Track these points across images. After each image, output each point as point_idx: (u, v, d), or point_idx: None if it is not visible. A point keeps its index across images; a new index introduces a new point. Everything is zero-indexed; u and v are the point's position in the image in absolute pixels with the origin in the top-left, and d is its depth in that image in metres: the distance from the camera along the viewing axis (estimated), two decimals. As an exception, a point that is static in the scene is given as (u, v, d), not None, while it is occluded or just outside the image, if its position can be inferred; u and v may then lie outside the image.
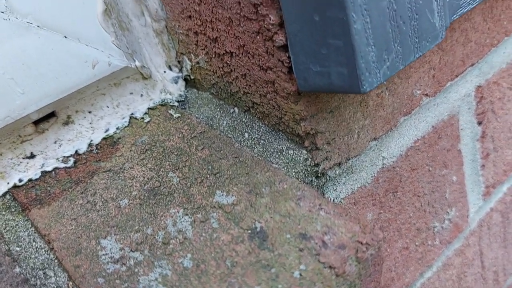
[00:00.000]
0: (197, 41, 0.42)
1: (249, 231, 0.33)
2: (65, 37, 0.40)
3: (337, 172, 0.40)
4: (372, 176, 0.43)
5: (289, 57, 0.34)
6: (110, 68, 0.42)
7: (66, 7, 0.40)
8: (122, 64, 0.43)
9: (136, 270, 0.32)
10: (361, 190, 0.42)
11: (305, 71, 0.33)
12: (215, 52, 0.41)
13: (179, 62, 0.47)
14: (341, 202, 0.41)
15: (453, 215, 0.53)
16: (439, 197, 0.51)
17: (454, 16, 0.38)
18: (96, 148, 0.42)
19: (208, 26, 0.39)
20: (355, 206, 0.42)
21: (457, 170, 0.52)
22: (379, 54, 0.30)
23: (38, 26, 0.38)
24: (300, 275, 0.29)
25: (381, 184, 0.44)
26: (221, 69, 0.41)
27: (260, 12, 0.33)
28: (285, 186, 0.35)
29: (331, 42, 0.30)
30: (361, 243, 0.30)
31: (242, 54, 0.38)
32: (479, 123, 0.52)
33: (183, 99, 0.47)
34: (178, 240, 0.33)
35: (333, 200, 0.40)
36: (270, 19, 0.33)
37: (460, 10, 0.38)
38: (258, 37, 0.35)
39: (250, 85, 0.39)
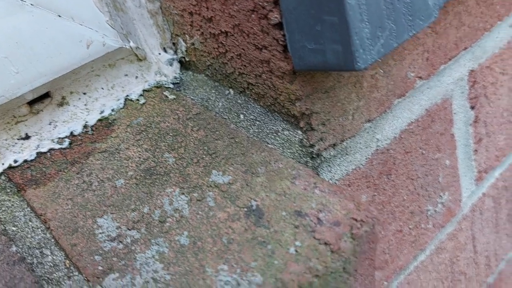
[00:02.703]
0: (192, 21, 0.42)
1: (245, 209, 0.33)
2: (59, 16, 0.40)
3: (331, 153, 0.40)
4: (366, 158, 0.43)
5: (284, 35, 0.34)
6: (104, 49, 0.42)
7: (60, -13, 0.40)
8: (116, 45, 0.43)
9: (133, 247, 0.32)
10: (356, 172, 0.42)
11: (300, 49, 0.33)
12: (210, 32, 0.41)
13: (174, 44, 0.47)
14: (336, 184, 0.41)
15: (446, 199, 0.54)
16: (432, 180, 0.51)
17: (449, -3, 0.38)
18: (91, 130, 0.42)
19: (203, 6, 0.39)
20: (350, 188, 0.42)
21: (450, 154, 0.52)
22: (373, 30, 0.30)
23: (31, 4, 0.38)
24: (296, 251, 0.30)
25: (375, 166, 0.44)
26: (216, 49, 0.41)
27: (255, -10, 0.33)
28: (280, 166, 0.36)
29: (326, 19, 0.30)
30: (356, 220, 0.31)
31: (237, 34, 0.38)
32: (472, 108, 0.53)
33: (178, 82, 0.47)
34: (174, 218, 0.33)
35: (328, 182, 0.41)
36: (265, -3, 0.33)
37: (455, -9, 0.38)
38: (253, 15, 0.35)
39: (245, 65, 0.39)
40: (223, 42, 0.40)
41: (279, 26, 0.34)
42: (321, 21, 0.30)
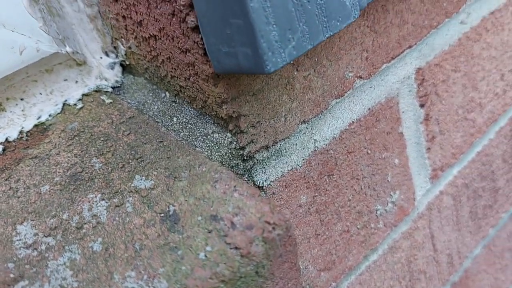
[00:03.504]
0: (126, 25, 0.42)
1: (162, 214, 0.33)
2: (-12, 23, 0.40)
3: (265, 155, 0.40)
4: (303, 159, 0.43)
5: (202, 39, 0.33)
6: (38, 54, 0.42)
7: (-11, -7, 0.39)
8: (51, 50, 0.42)
9: (46, 255, 0.31)
10: (292, 173, 0.42)
11: (217, 52, 0.33)
12: (142, 36, 0.40)
13: (115, 47, 0.47)
14: (271, 185, 0.41)
15: (397, 198, 0.53)
16: (381, 180, 0.51)
17: (375, -4, 0.37)
18: (27, 135, 0.42)
19: (132, 10, 0.39)
20: (287, 189, 0.42)
21: (399, 153, 0.52)
22: (282, 33, 0.30)
23: (-44, 11, 0.38)
24: (205, 256, 0.29)
25: (314, 167, 0.44)
26: (149, 53, 0.41)
27: (171, -7, 0.33)
28: (204, 169, 0.35)
29: (233, 22, 0.30)
30: (269, 223, 0.31)
31: (164, 37, 0.38)
32: (422, 106, 0.53)
33: (119, 85, 0.47)
34: (91, 224, 0.33)
35: (263, 183, 0.40)
36: (180, 0, 0.33)
37: (382, -10, 0.38)
38: (174, 19, 0.35)
39: (175, 69, 0.39)
40: (153, 45, 0.40)
41: (197, 29, 0.33)
42: (229, 24, 0.30)
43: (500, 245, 0.77)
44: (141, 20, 0.39)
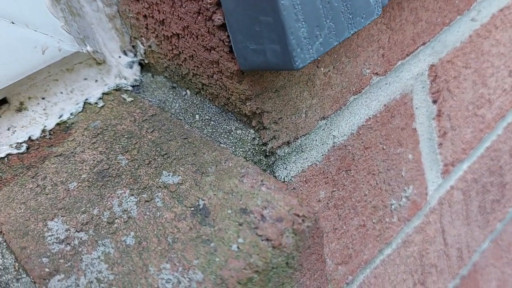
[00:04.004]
0: (146, 24, 0.42)
1: (192, 208, 0.33)
2: (12, 22, 0.40)
3: (286, 151, 0.41)
4: (322, 155, 0.43)
5: (228, 36, 0.34)
6: (60, 54, 0.42)
7: (13, -7, 0.40)
8: (73, 49, 0.43)
9: (80, 249, 0.32)
10: (312, 168, 0.43)
11: (244, 49, 0.33)
12: (164, 34, 0.41)
13: (133, 46, 0.48)
14: (292, 181, 0.42)
15: (411, 192, 0.54)
16: (395, 175, 0.52)
17: (394, -6, 0.38)
18: (49, 134, 0.43)
19: (155, 9, 0.40)
20: (307, 184, 0.43)
21: (413, 149, 0.53)
22: (310, 30, 0.30)
23: (-18, 12, 0.38)
24: (238, 248, 0.30)
25: (332, 163, 0.44)
26: (170, 51, 0.42)
27: (198, -8, 0.34)
28: (230, 165, 0.36)
29: (262, 19, 0.30)
30: (298, 216, 0.31)
31: (187, 35, 0.38)
32: (434, 102, 0.53)
33: (138, 84, 0.47)
34: (122, 219, 0.33)
35: (284, 178, 0.41)
36: (207, -1, 0.33)
37: (401, -12, 0.39)
38: (199, 17, 0.35)
39: (197, 67, 0.40)
40: (176, 44, 0.40)
41: (224, 27, 0.34)
42: (258, 21, 0.31)
43: (507, 239, 0.78)
44: (163, 19, 0.40)
